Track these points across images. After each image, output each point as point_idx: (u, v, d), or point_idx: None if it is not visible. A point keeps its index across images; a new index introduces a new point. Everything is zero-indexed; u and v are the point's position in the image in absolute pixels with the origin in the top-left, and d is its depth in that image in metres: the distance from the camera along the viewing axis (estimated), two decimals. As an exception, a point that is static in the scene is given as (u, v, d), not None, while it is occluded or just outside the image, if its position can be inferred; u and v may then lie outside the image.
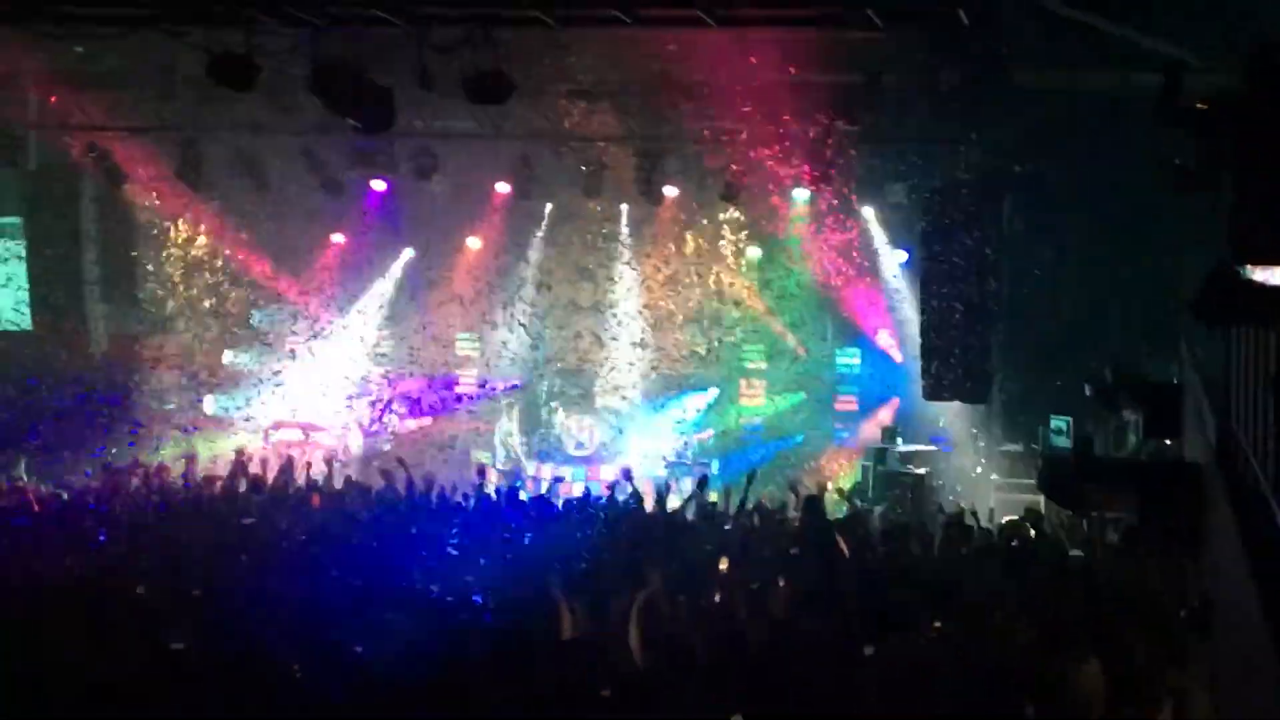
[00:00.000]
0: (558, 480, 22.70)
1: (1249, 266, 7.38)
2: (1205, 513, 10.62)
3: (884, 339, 24.93)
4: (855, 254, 24.19)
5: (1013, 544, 15.88)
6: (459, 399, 26.44)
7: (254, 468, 20.33)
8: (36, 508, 17.52)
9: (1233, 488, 9.35)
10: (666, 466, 24.58)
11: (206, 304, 26.39)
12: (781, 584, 13.46)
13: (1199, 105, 8.38)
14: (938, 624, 11.36)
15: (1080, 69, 18.94)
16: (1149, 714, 9.79)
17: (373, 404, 26.16)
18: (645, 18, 14.83)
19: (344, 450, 25.08)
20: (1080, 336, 20.59)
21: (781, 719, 9.78)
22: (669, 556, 13.97)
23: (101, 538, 15.33)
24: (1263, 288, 7.09)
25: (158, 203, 25.15)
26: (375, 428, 25.94)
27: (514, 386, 26.52)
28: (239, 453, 20.77)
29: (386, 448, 25.30)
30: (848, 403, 25.74)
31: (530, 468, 25.65)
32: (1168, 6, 14.50)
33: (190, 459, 21.11)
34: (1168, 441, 16.53)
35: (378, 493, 18.84)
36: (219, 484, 19.49)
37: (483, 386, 26.38)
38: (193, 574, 13.36)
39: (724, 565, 13.82)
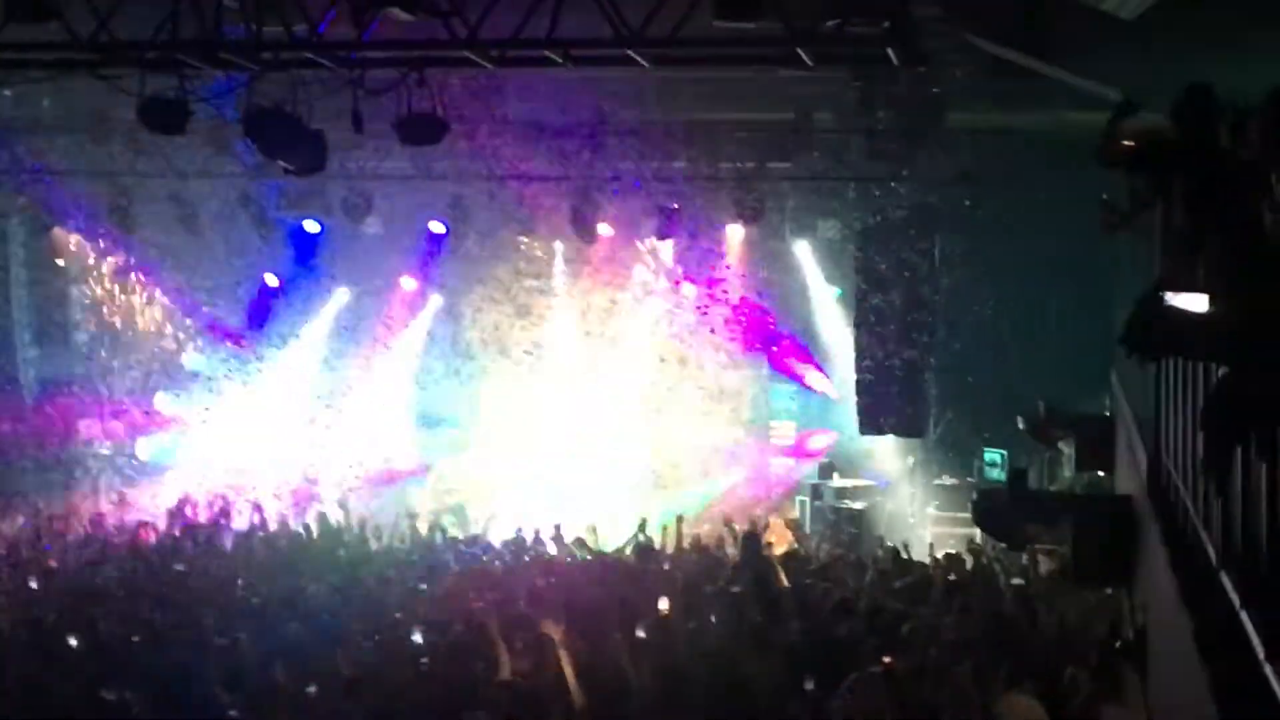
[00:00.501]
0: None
1: (1173, 295, 7.50)
2: (1138, 545, 10.73)
3: (815, 379, 24.94)
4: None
5: (950, 577, 15.98)
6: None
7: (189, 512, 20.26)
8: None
9: (1164, 520, 9.45)
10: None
11: (139, 347, 26.14)
12: (718, 620, 13.52)
13: (1125, 144, 8.52)
14: (887, 659, 11.42)
15: (1012, 108, 19.14)
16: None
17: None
18: (579, 58, 14.84)
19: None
20: (1013, 370, 20.75)
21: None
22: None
23: (33, 584, 15.22)
24: (1187, 317, 7.19)
25: (88, 246, 24.97)
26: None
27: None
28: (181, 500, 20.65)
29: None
30: (784, 435, 25.67)
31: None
32: (1098, 47, 14.65)
33: (123, 503, 20.99)
34: (1100, 474, 16.71)
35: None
36: (149, 532, 19.34)
37: None
38: (129, 622, 13.28)
39: (664, 605, 13.83)
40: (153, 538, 19.26)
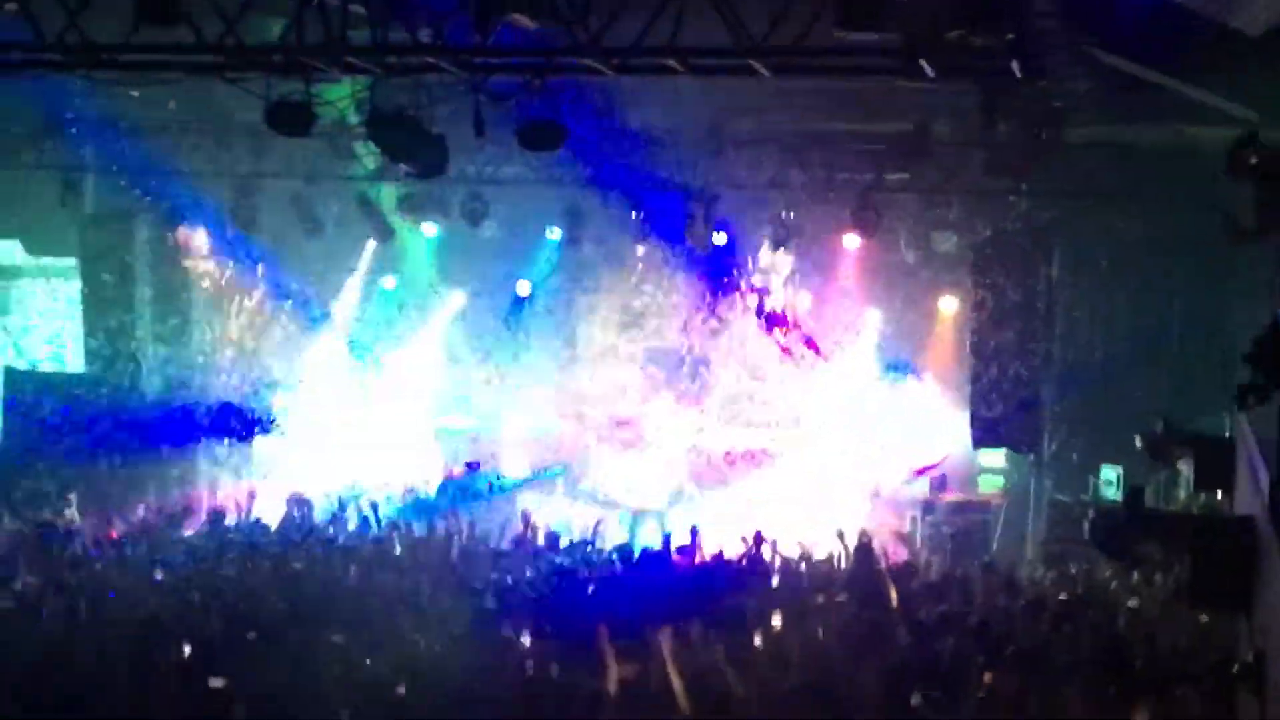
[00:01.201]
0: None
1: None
2: (1258, 567, 10.57)
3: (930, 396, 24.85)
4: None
5: (1061, 596, 15.83)
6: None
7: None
8: (92, 545, 17.74)
9: (1287, 543, 9.31)
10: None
11: (256, 346, 26.51)
12: (825, 631, 13.47)
13: (1252, 161, 8.43)
14: (988, 676, 11.34)
15: (1132, 122, 18.94)
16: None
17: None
18: (699, 66, 14.85)
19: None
20: (1131, 387, 20.52)
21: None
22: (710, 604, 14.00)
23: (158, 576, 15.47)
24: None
25: (210, 246, 25.36)
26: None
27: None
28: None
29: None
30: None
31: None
32: (1223, 63, 14.48)
33: (251, 495, 21.29)
34: (1219, 495, 16.46)
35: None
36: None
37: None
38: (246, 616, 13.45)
39: (777, 621, 13.77)
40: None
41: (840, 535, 18.78)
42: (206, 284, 25.98)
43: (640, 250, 25.33)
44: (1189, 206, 18.07)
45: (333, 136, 19.79)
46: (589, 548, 19.37)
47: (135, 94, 19.16)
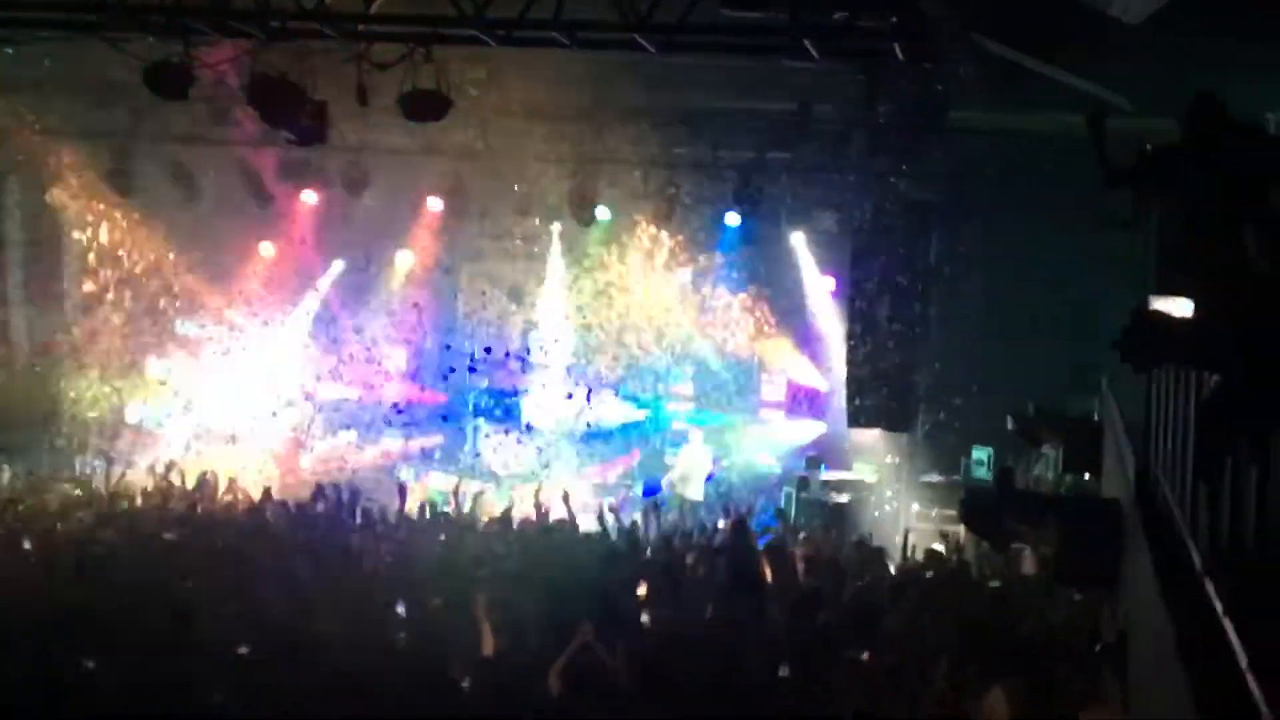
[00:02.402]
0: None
1: (1164, 301, 7.56)
2: (1123, 549, 10.76)
3: (807, 373, 25.09)
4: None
5: (928, 575, 16.03)
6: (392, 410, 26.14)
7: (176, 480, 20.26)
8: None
9: (1150, 525, 9.49)
10: (595, 489, 24.60)
11: (130, 312, 26.06)
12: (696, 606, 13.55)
13: (1146, 149, 8.54)
14: (862, 653, 11.46)
15: (1013, 108, 19.18)
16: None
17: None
18: (584, 40, 14.88)
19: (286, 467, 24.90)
20: (1003, 370, 20.78)
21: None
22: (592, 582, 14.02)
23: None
24: (1180, 326, 7.24)
25: (84, 208, 24.91)
26: (307, 440, 25.74)
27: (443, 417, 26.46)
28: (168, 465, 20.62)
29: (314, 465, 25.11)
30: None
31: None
32: (1102, 51, 14.69)
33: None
34: (1086, 477, 16.76)
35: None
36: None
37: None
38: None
39: (642, 591, 13.85)
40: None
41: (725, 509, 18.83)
42: (80, 248, 25.50)
43: (520, 223, 25.24)
44: (1066, 193, 18.31)
45: (211, 100, 19.48)
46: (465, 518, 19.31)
47: (9, 50, 18.80)
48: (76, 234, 25.33)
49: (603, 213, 24.13)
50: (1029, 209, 20.16)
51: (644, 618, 13.28)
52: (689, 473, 24.40)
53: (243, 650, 11.48)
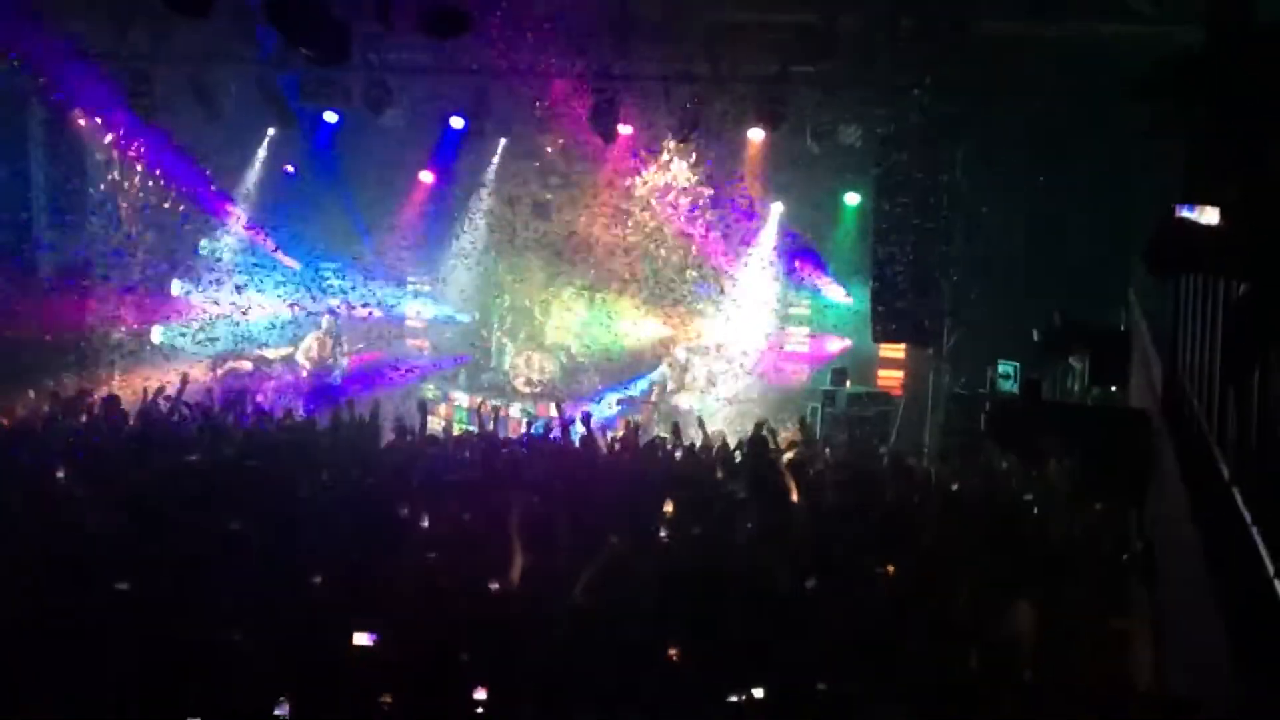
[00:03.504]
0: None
1: (1193, 209, 7.49)
2: (1150, 459, 10.76)
3: (832, 289, 25.09)
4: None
5: (954, 488, 16.03)
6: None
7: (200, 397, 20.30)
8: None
9: (1178, 435, 9.48)
10: (620, 404, 24.70)
11: (155, 233, 26.09)
12: (720, 520, 13.58)
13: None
14: (890, 567, 11.49)
15: (1041, 18, 18.98)
16: (1091, 656, 9.95)
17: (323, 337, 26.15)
18: (606, -46, 14.80)
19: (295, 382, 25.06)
20: (1029, 282, 20.70)
21: (718, 651, 9.92)
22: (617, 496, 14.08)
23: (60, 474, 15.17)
24: (1207, 234, 7.19)
25: (107, 130, 24.90)
26: (329, 361, 25.88)
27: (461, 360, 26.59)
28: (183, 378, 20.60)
29: (339, 382, 25.27)
30: (799, 341, 25.92)
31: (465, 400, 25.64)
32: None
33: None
34: (1113, 389, 16.71)
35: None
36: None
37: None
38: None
39: (669, 508, 13.88)
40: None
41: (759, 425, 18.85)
42: (103, 170, 25.50)
43: (545, 139, 25.16)
44: (1092, 104, 18.14)
45: (233, 18, 19.37)
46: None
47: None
48: (99, 156, 25.33)
49: (624, 129, 24.01)
50: (1055, 121, 19.98)
51: (669, 533, 13.34)
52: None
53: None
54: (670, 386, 25.73)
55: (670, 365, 25.94)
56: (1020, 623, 10.24)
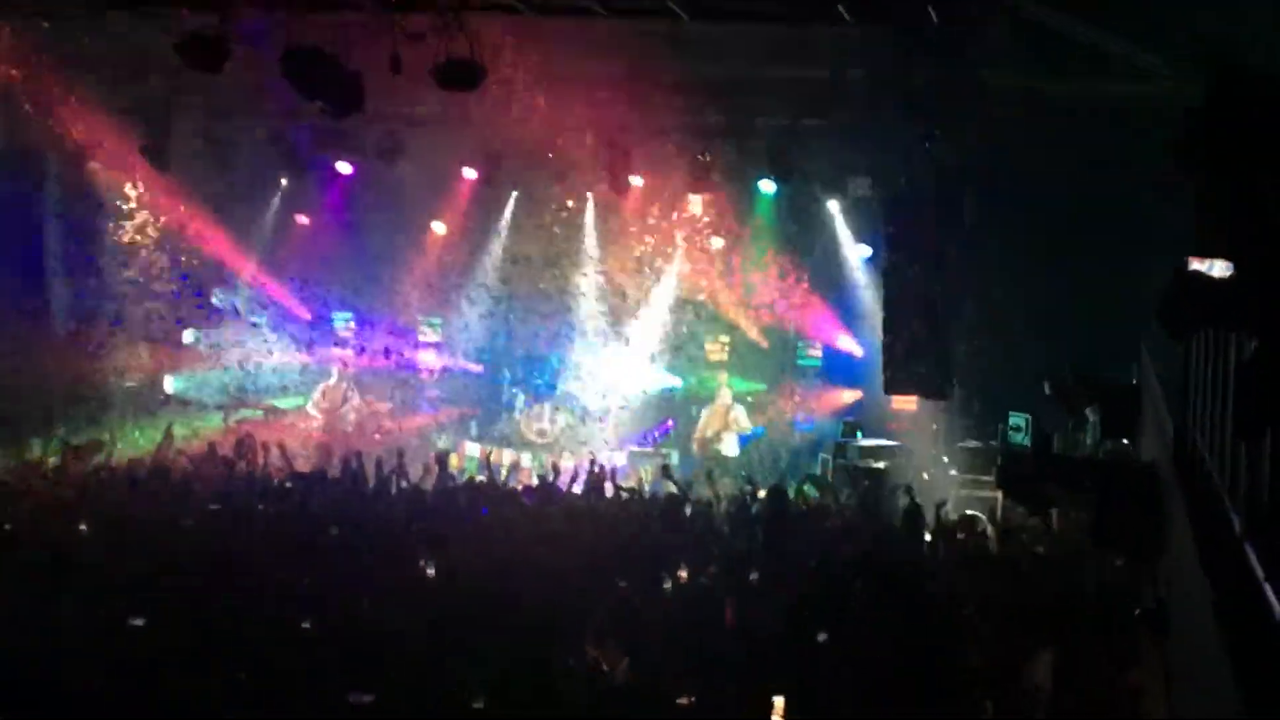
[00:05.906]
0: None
1: (1209, 262, 7.51)
2: (1162, 514, 10.74)
3: (843, 341, 25.11)
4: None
5: (960, 537, 16.01)
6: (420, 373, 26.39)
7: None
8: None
9: (1189, 490, 9.46)
10: (631, 456, 24.69)
11: (168, 283, 26.16)
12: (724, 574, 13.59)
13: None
14: (898, 619, 11.48)
15: (1048, 72, 19.06)
16: (1103, 710, 9.92)
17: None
18: (619, 8, 14.90)
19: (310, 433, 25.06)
20: (1041, 335, 20.69)
21: (733, 699, 9.93)
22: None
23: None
24: (1219, 291, 7.20)
25: (122, 182, 25.03)
26: (342, 409, 25.89)
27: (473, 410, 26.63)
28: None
29: (350, 430, 25.27)
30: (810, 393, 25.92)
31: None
32: (1138, 12, 14.58)
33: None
34: (1125, 442, 16.68)
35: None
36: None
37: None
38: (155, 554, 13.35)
39: (684, 574, 13.83)
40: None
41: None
42: (117, 221, 25.61)
43: (556, 191, 25.24)
44: (1102, 157, 18.20)
45: (247, 70, 19.52)
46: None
47: (46, 25, 18.87)
48: (114, 208, 25.44)
49: (636, 180, 24.08)
50: (1065, 174, 20.02)
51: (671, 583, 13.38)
52: (723, 429, 24.52)
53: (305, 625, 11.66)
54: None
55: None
56: (1038, 675, 10.22)
